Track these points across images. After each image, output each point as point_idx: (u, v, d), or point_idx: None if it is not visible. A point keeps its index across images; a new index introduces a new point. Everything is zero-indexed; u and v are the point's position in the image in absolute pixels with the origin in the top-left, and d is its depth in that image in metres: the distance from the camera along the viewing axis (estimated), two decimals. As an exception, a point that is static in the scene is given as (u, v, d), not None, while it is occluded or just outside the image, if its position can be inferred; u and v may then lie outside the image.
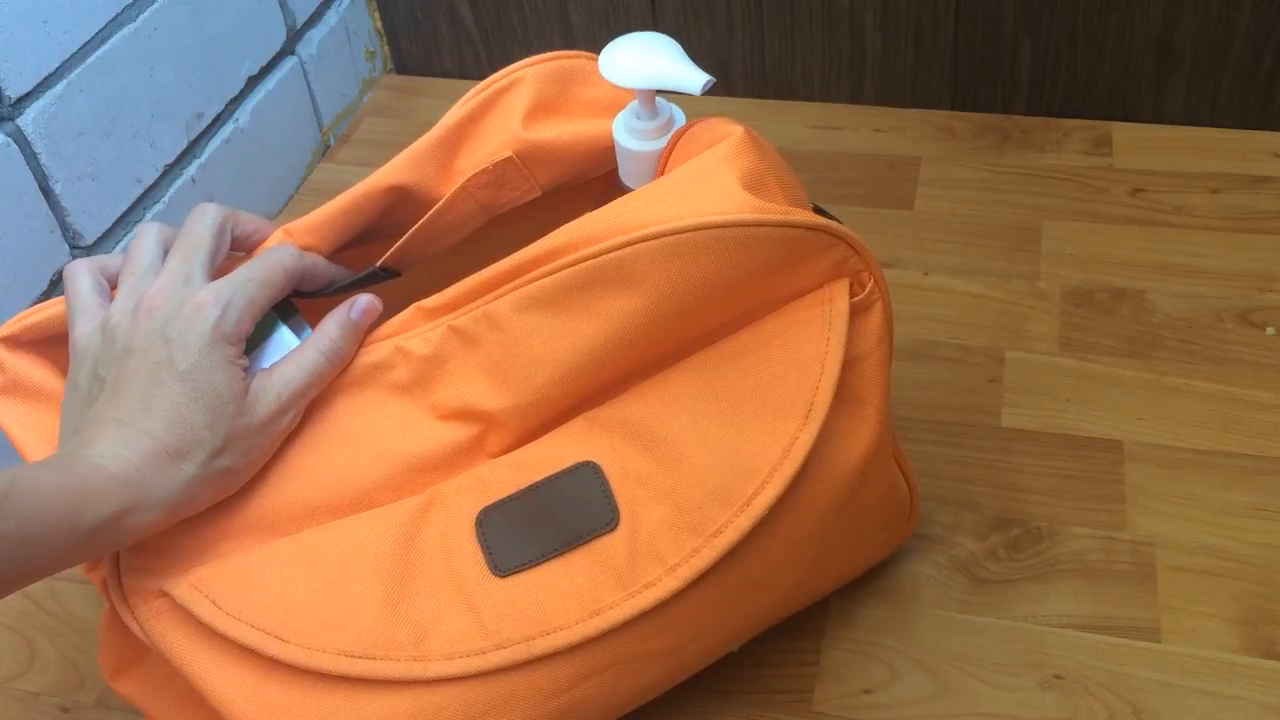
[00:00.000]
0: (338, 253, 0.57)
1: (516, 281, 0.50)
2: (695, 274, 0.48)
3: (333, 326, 0.53)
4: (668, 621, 0.50)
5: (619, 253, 0.48)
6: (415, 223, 0.56)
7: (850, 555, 0.58)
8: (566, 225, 0.51)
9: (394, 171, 0.56)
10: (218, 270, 0.54)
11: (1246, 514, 0.63)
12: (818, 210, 0.53)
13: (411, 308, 0.53)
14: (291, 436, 0.52)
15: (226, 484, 0.50)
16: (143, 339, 0.50)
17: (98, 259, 0.55)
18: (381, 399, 0.53)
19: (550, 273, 0.49)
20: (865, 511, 0.55)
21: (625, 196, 0.51)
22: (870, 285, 0.52)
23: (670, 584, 0.49)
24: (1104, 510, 0.64)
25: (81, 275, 0.54)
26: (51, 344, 0.55)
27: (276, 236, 0.56)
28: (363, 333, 0.53)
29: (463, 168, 0.56)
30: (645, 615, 0.49)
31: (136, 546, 0.50)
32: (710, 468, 0.50)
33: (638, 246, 0.48)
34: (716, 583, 0.50)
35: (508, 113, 0.56)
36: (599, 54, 0.53)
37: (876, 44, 0.90)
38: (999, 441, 0.68)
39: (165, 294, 0.51)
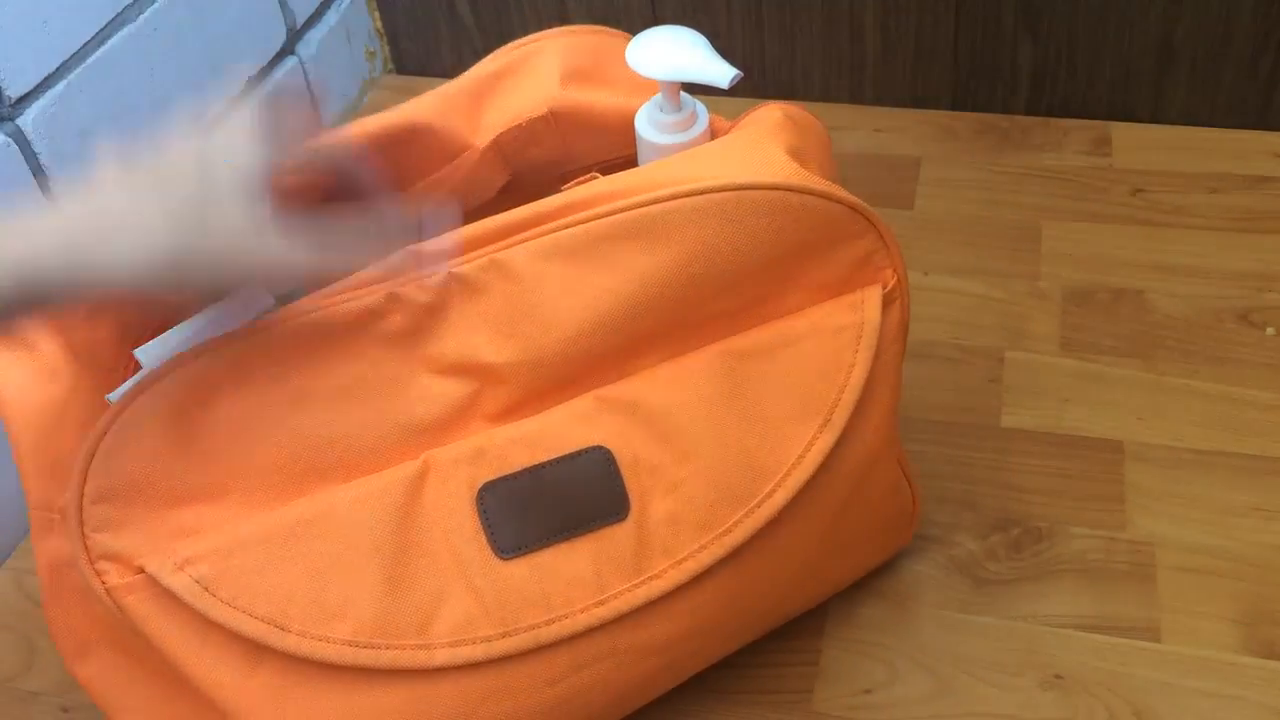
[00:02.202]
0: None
1: (536, 230, 0.49)
2: (728, 237, 0.48)
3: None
4: (669, 614, 0.50)
5: (658, 206, 0.47)
6: (430, 165, 0.54)
7: (851, 557, 0.58)
8: (597, 179, 0.49)
9: (422, 111, 0.54)
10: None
11: (1246, 514, 0.63)
12: None
13: (404, 252, 0.49)
14: (275, 385, 0.49)
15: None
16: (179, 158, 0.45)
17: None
18: (373, 350, 0.50)
19: (579, 222, 0.48)
20: (868, 512, 0.55)
21: (665, 159, 0.50)
22: (894, 282, 0.52)
23: (675, 577, 0.49)
24: (1104, 510, 0.64)
25: None
26: None
27: None
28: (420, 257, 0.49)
29: (489, 121, 0.55)
30: (649, 606, 0.49)
31: (101, 499, 0.46)
32: (724, 465, 0.49)
33: (679, 201, 0.47)
34: (720, 579, 0.50)
35: (542, 72, 0.55)
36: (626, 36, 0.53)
37: (876, 44, 0.90)
38: (999, 441, 0.68)
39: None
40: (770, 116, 0.51)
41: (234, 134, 0.45)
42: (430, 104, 0.55)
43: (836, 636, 0.60)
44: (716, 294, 0.49)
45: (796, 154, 0.50)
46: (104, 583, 0.47)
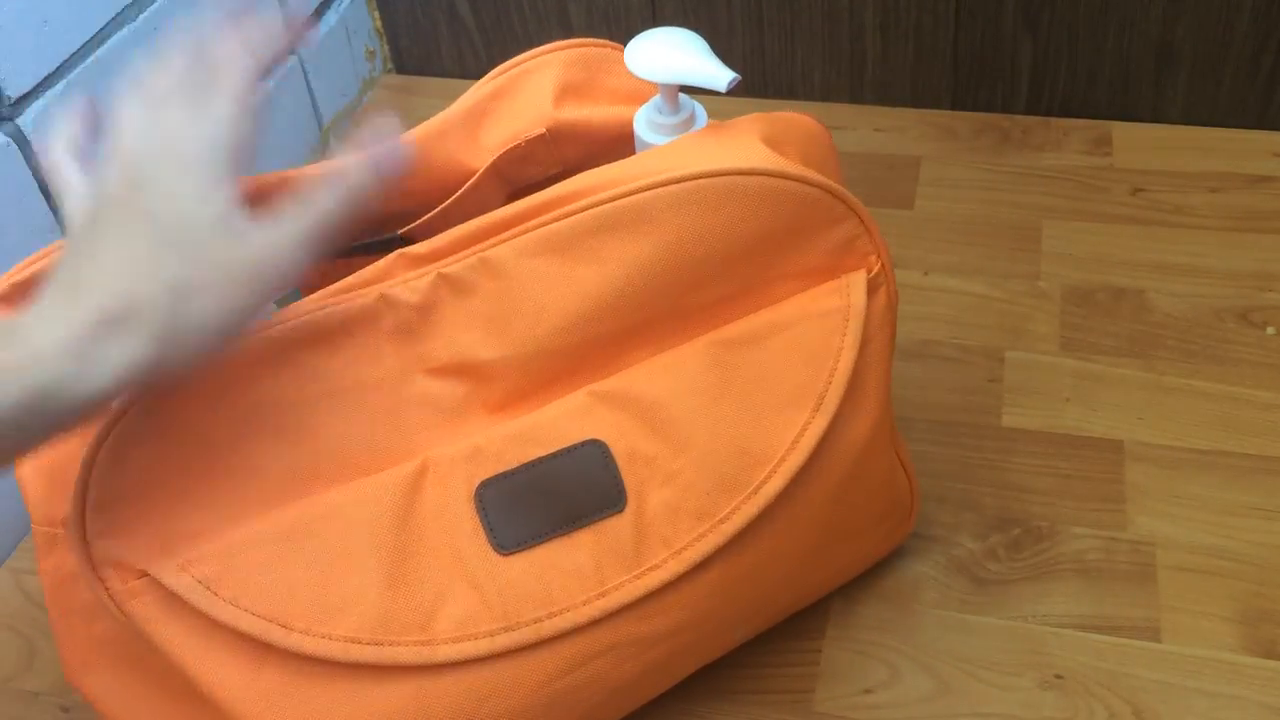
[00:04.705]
0: None
1: (521, 227, 0.49)
2: (711, 223, 0.49)
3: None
4: (669, 604, 0.50)
5: (637, 196, 0.48)
6: (431, 188, 0.55)
7: (849, 547, 0.58)
8: (580, 174, 0.50)
9: (420, 140, 0.55)
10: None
11: (1246, 514, 0.63)
12: None
13: (393, 255, 0.50)
14: (267, 390, 0.48)
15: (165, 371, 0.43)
16: (117, 181, 0.43)
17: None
18: (368, 353, 0.49)
19: (564, 216, 0.49)
20: (864, 499, 0.55)
21: (644, 151, 0.51)
22: (878, 267, 0.52)
23: (675, 567, 0.49)
24: (1104, 510, 0.64)
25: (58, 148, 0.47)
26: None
27: None
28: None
29: (487, 142, 0.56)
30: (649, 597, 0.49)
31: (102, 507, 0.46)
32: (719, 454, 0.50)
33: (657, 190, 0.48)
34: (719, 568, 0.50)
35: (538, 91, 0.56)
36: (621, 44, 0.54)
37: (876, 44, 0.90)
38: (999, 441, 0.68)
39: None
40: (748, 116, 0.53)
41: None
42: (429, 132, 0.55)
43: (837, 636, 0.60)
44: (701, 282, 0.50)
45: (772, 143, 0.51)
46: (108, 589, 0.47)
